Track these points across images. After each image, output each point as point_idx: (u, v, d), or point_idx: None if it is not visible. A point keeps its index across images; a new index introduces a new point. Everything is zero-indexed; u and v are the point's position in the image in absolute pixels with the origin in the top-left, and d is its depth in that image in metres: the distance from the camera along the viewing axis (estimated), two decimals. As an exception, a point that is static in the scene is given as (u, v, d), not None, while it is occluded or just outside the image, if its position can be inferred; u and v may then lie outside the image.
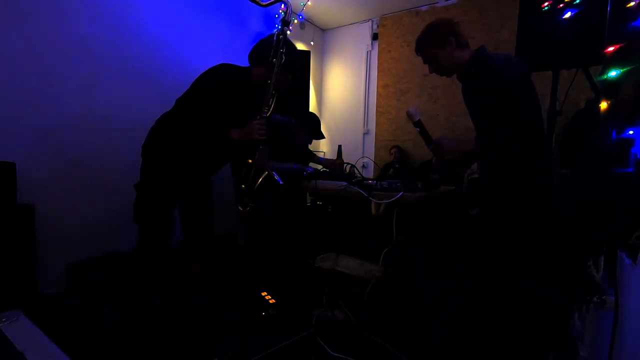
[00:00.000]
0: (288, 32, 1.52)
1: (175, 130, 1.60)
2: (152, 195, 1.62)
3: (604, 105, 1.24)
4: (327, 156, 4.43)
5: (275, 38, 1.50)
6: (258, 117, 1.52)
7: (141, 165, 1.66)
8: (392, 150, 3.95)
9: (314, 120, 2.52)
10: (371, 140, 4.40)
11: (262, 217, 2.39)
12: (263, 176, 1.55)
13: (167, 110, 1.69)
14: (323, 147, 4.59)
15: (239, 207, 1.61)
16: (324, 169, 2.54)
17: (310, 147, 2.91)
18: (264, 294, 2.15)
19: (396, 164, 3.85)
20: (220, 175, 1.88)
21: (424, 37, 1.58)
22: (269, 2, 1.46)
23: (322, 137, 2.54)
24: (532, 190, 1.48)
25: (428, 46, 1.56)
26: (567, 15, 1.55)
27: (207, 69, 1.61)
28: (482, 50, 1.52)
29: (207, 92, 1.54)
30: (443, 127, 3.70)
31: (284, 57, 1.51)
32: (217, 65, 1.61)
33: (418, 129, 1.63)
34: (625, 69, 1.11)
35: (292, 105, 2.68)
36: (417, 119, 1.60)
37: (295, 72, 1.68)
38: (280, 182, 1.54)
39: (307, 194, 2.65)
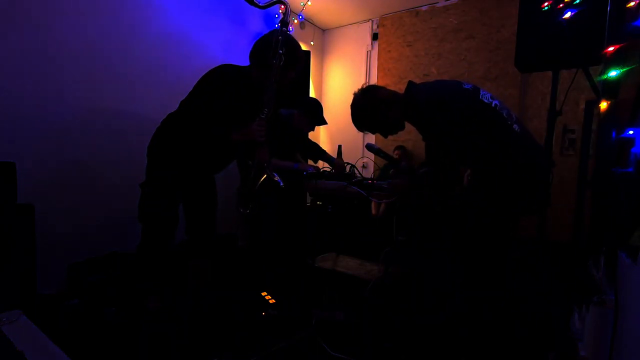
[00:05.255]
0: (288, 32, 1.52)
1: (180, 130, 1.60)
2: (156, 193, 1.62)
3: (604, 105, 1.24)
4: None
5: (274, 39, 1.50)
6: (258, 119, 1.52)
7: (146, 165, 1.66)
8: (396, 152, 3.94)
9: (315, 105, 2.51)
10: (371, 140, 4.39)
11: (263, 215, 2.38)
12: (262, 178, 1.55)
13: (172, 111, 1.70)
14: (323, 147, 4.58)
15: (240, 209, 1.62)
16: (324, 168, 2.53)
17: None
18: (264, 294, 2.15)
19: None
20: (220, 176, 1.89)
21: (359, 119, 1.68)
22: (267, 3, 1.46)
23: (324, 122, 2.53)
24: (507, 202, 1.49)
25: (367, 122, 1.67)
26: (567, 15, 1.55)
27: (208, 69, 1.61)
28: (407, 99, 1.58)
29: (209, 93, 1.55)
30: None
31: (283, 57, 1.51)
32: (218, 66, 1.62)
33: (381, 155, 1.78)
34: (625, 69, 1.11)
35: (293, 100, 2.67)
36: (376, 148, 1.77)
37: (298, 69, 1.69)
38: (281, 184, 1.54)
39: (307, 194, 2.65)
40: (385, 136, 1.71)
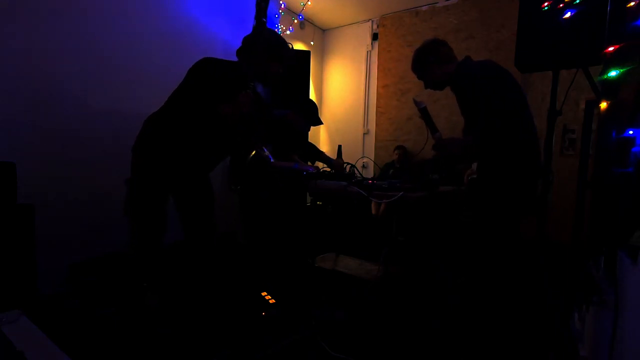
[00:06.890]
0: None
1: (169, 127, 1.60)
2: (142, 190, 1.63)
3: (604, 105, 1.24)
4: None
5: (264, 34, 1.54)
6: (244, 91, 1.52)
7: (131, 162, 1.67)
8: (396, 152, 3.94)
9: (310, 106, 2.50)
10: (371, 140, 4.40)
11: (261, 209, 2.37)
12: (252, 154, 1.55)
13: (154, 112, 1.70)
14: (323, 147, 4.58)
15: (231, 187, 1.63)
16: (325, 168, 2.53)
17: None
18: (264, 294, 2.15)
19: (397, 164, 3.85)
20: (219, 177, 1.88)
21: (413, 61, 1.84)
22: None
23: (320, 122, 2.52)
24: (521, 188, 1.59)
25: (416, 68, 1.84)
26: (567, 15, 1.55)
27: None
28: (462, 63, 1.72)
29: (197, 85, 1.54)
30: (443, 126, 3.68)
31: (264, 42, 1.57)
32: (202, 59, 1.60)
33: (423, 118, 1.82)
34: (625, 69, 1.11)
35: (292, 100, 2.67)
36: (423, 106, 1.79)
37: (284, 64, 1.70)
38: (271, 159, 1.54)
39: (307, 194, 2.65)
40: (425, 87, 1.88)
